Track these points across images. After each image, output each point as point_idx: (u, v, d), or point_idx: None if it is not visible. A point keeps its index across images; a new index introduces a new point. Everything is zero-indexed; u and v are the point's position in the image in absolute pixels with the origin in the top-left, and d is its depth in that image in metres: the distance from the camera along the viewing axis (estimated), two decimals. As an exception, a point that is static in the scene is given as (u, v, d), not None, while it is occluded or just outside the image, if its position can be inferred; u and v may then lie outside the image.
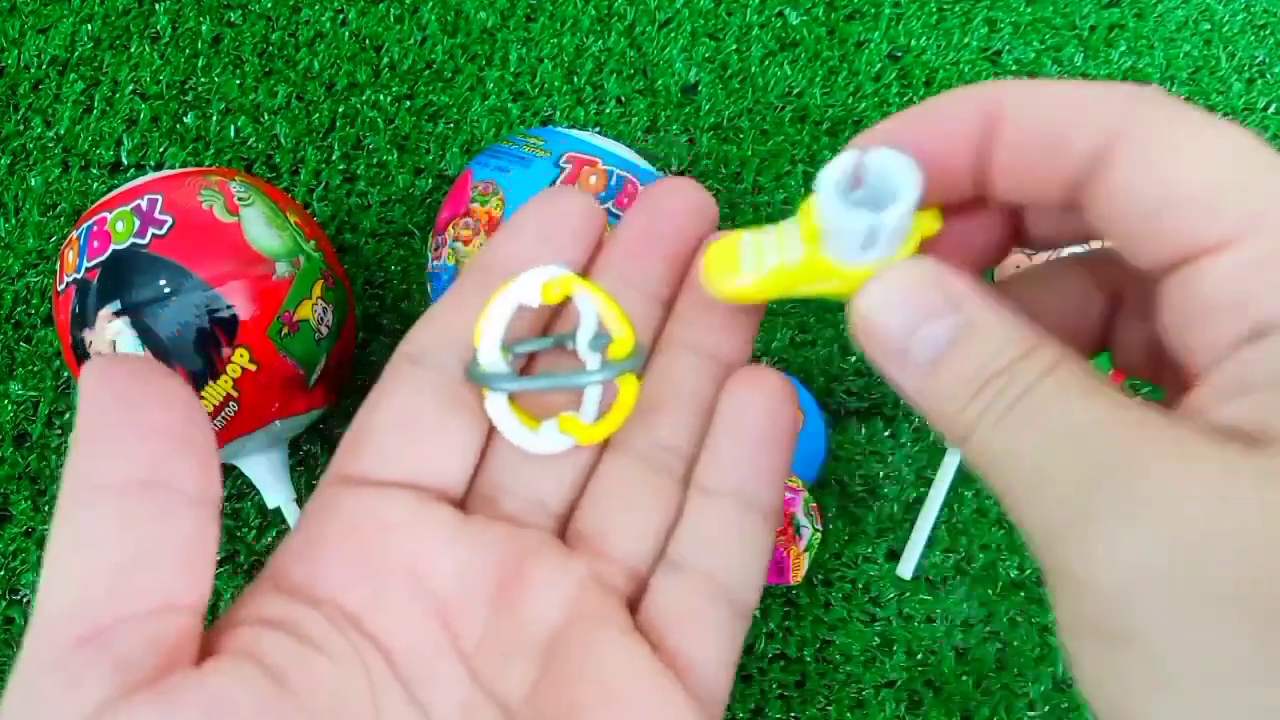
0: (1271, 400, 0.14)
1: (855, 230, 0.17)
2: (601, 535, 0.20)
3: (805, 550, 0.35)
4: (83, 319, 0.33)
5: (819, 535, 0.36)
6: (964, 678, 0.37)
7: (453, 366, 0.20)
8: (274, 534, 0.39)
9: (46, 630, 0.16)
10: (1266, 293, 0.15)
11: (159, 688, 0.16)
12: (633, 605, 0.20)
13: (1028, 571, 0.38)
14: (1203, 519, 0.14)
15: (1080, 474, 0.15)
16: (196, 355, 0.32)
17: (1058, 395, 0.16)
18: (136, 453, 0.17)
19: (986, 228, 0.20)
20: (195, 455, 0.17)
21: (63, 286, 0.34)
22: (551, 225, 0.21)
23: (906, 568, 0.38)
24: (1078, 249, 0.21)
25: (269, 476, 0.36)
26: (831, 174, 0.17)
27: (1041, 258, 0.33)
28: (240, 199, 0.34)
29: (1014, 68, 0.44)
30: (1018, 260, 0.35)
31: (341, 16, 0.45)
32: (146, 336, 0.32)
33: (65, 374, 0.41)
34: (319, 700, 0.17)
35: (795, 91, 0.44)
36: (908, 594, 0.38)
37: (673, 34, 0.45)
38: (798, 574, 0.35)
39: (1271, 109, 0.44)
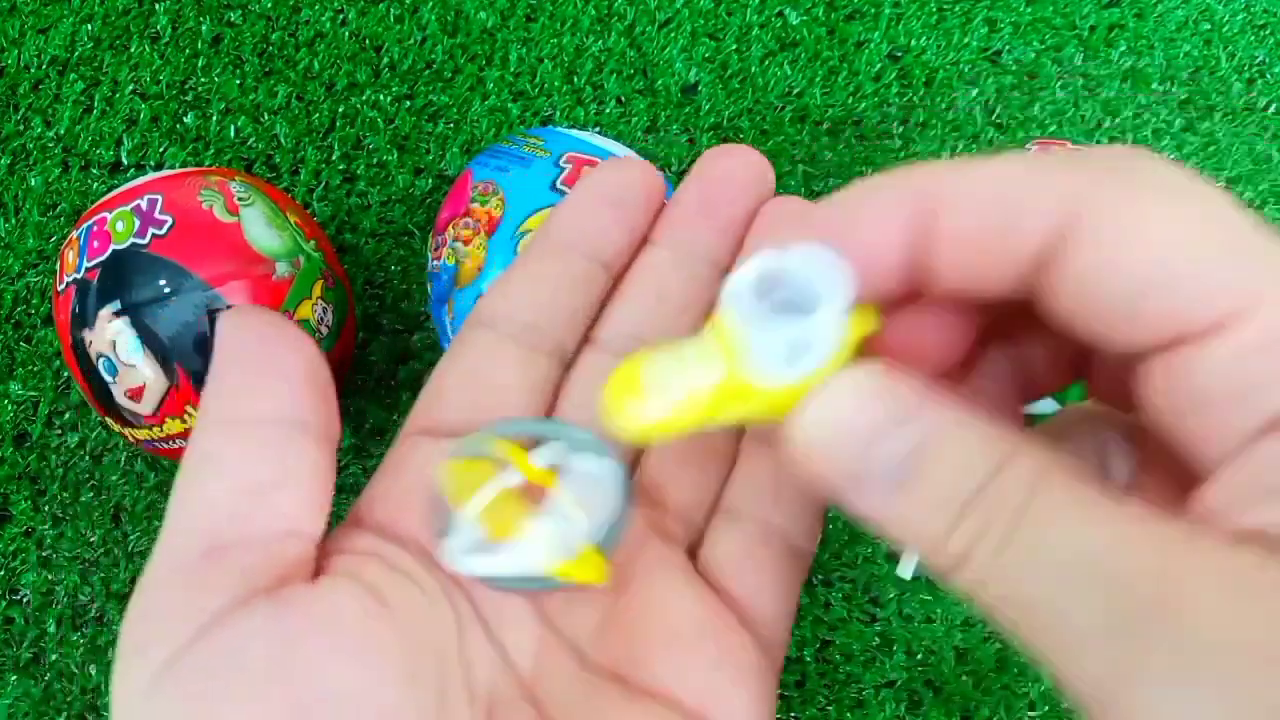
0: None
1: (779, 341, 0.15)
2: (658, 488, 0.21)
3: None
4: (83, 319, 0.33)
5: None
6: (964, 678, 0.37)
7: (520, 331, 0.21)
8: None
9: (175, 543, 0.17)
10: (1276, 382, 0.13)
11: (277, 596, 0.17)
12: (691, 553, 0.21)
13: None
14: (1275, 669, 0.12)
15: (1116, 617, 0.13)
16: (196, 355, 0.32)
17: (1058, 517, 0.14)
18: (274, 390, 0.18)
19: (939, 323, 0.17)
20: (322, 396, 0.19)
21: (63, 286, 0.34)
22: (613, 193, 0.22)
23: (906, 568, 0.38)
24: None
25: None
26: (746, 277, 0.15)
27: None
28: (240, 199, 0.34)
29: (1014, 68, 0.44)
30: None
31: (341, 16, 0.45)
32: (146, 336, 0.32)
33: (65, 374, 0.41)
34: (414, 621, 0.18)
35: (795, 91, 0.44)
36: (908, 594, 0.38)
37: (673, 34, 0.45)
38: None
39: (1271, 109, 0.44)
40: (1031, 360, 0.18)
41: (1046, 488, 0.14)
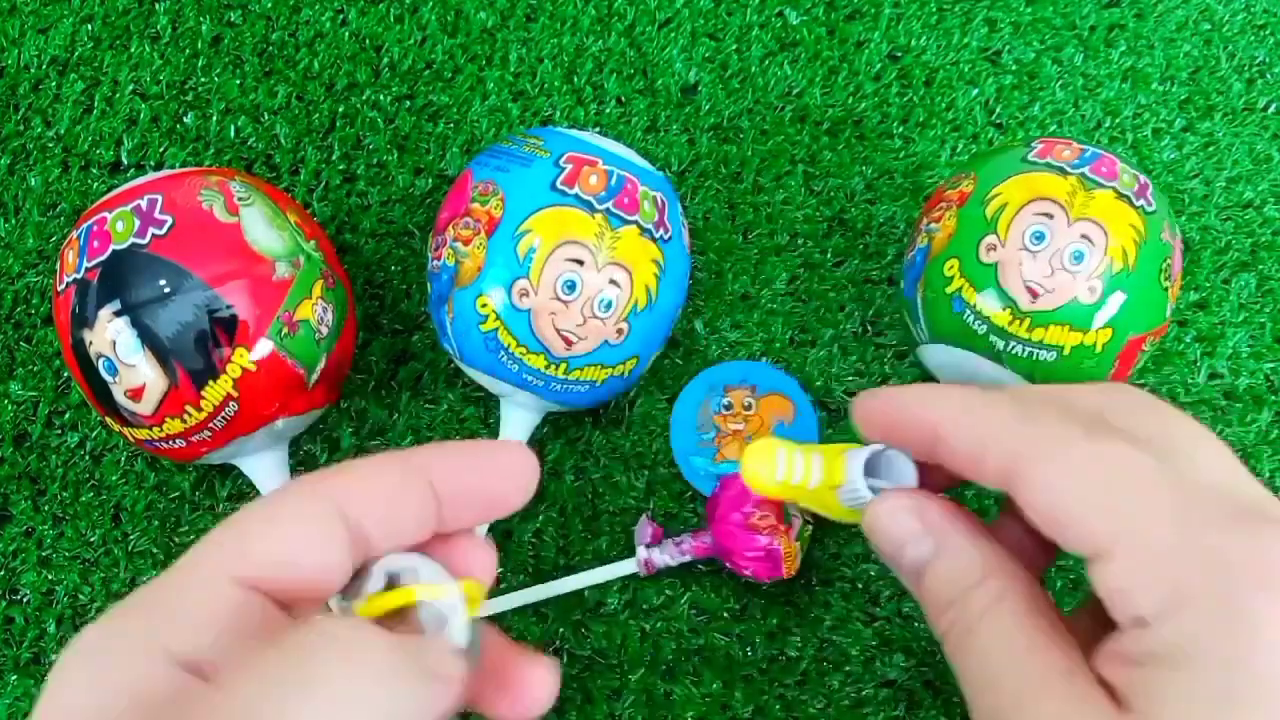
0: (1138, 676, 0.20)
1: (862, 492, 0.25)
2: None
3: (797, 540, 0.35)
4: (83, 319, 0.33)
5: (809, 527, 0.36)
6: (964, 678, 0.37)
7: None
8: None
9: None
10: (1139, 594, 0.20)
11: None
12: None
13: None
14: None
15: (1003, 711, 0.21)
16: (196, 355, 0.32)
17: (995, 633, 0.22)
18: None
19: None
20: None
21: (63, 286, 0.34)
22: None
23: None
24: None
25: (269, 476, 0.36)
26: (863, 452, 0.26)
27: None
28: (240, 199, 0.34)
29: (1014, 68, 0.44)
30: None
31: (341, 16, 0.45)
32: (146, 336, 0.32)
33: (65, 374, 0.41)
34: None
35: (795, 91, 0.44)
36: (907, 594, 0.38)
37: (673, 34, 0.45)
38: (791, 566, 0.35)
39: (1271, 109, 0.44)
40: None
41: (997, 609, 0.22)
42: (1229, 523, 0.20)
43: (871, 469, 0.26)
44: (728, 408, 0.39)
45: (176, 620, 0.18)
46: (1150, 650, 0.20)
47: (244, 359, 0.33)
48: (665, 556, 0.36)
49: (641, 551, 0.37)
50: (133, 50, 0.44)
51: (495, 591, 0.37)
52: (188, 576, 0.19)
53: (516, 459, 0.22)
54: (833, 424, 0.40)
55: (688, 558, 0.36)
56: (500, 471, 0.22)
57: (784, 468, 0.26)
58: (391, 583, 0.21)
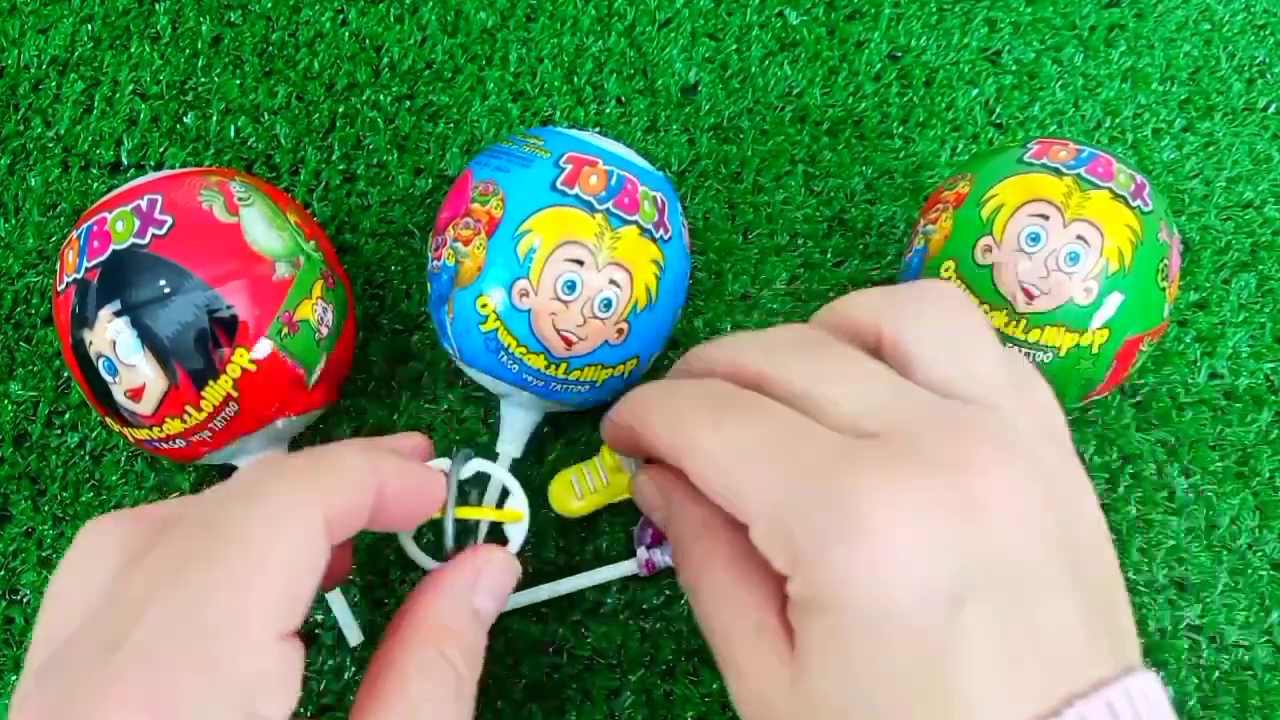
0: (799, 622, 0.23)
1: (633, 470, 0.33)
2: None
3: None
4: (83, 319, 0.33)
5: None
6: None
7: None
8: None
9: None
10: (772, 555, 0.23)
11: None
12: None
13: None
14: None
15: (720, 661, 0.25)
16: (196, 355, 0.32)
17: (707, 590, 0.26)
18: None
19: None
20: None
21: (63, 286, 0.34)
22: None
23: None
24: None
25: (269, 476, 0.36)
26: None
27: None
28: (240, 199, 0.34)
29: (1014, 68, 0.44)
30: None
31: (341, 16, 0.45)
32: (146, 336, 0.32)
33: (65, 374, 0.41)
34: None
35: (795, 91, 0.44)
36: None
37: (673, 34, 0.45)
38: None
39: (1271, 109, 0.44)
40: None
41: (709, 571, 0.26)
42: (831, 470, 0.22)
43: None
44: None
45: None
46: (795, 600, 0.22)
47: (244, 359, 0.33)
48: (666, 556, 0.37)
49: (642, 552, 0.37)
50: (133, 50, 0.44)
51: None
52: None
53: (437, 495, 0.28)
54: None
55: None
56: (429, 500, 0.27)
57: (578, 486, 0.36)
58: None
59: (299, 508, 0.22)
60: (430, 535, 0.34)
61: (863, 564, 0.21)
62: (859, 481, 0.21)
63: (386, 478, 0.25)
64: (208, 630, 0.20)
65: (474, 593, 0.27)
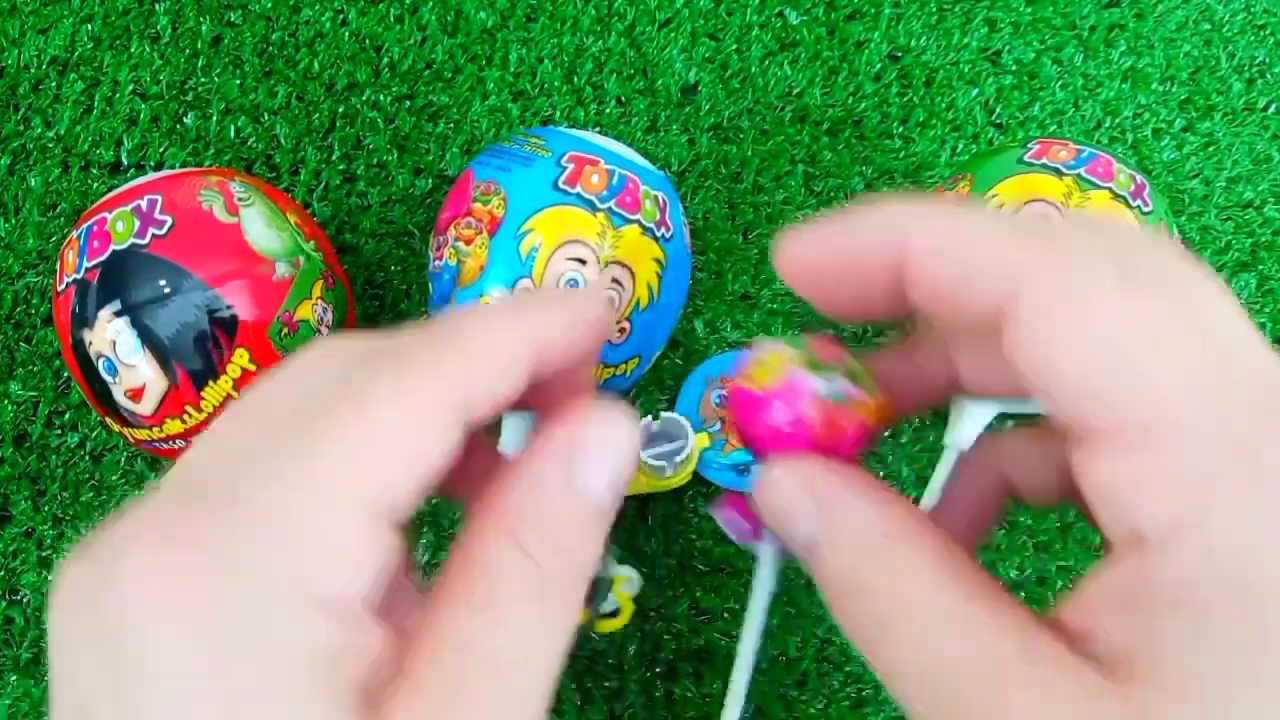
0: (1141, 625, 0.14)
1: (656, 462, 0.35)
2: None
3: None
4: (83, 319, 0.33)
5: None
6: (964, 677, 0.37)
7: None
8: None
9: None
10: (1141, 500, 0.15)
11: None
12: None
13: (1027, 572, 0.39)
14: None
15: (946, 711, 0.16)
16: (196, 355, 0.32)
17: (916, 624, 0.16)
18: None
19: (922, 373, 0.21)
20: None
21: (63, 286, 0.33)
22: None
23: None
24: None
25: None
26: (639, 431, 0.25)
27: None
28: (240, 199, 0.34)
29: (1014, 68, 0.44)
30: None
31: (341, 16, 0.45)
32: (146, 336, 0.32)
33: (65, 374, 0.41)
34: None
35: (795, 91, 0.44)
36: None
37: (673, 34, 0.45)
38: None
39: (1271, 109, 0.44)
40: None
41: (919, 587, 0.17)
42: (1269, 417, 0.15)
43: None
44: (726, 398, 0.39)
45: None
46: (1159, 584, 0.14)
47: (244, 359, 0.33)
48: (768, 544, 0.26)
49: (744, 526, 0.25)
50: (133, 50, 0.44)
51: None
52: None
53: (602, 321, 0.20)
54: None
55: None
56: (591, 334, 0.20)
57: None
58: None
59: (429, 389, 0.17)
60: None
61: None
62: None
63: (541, 337, 0.19)
64: (303, 504, 0.16)
65: (570, 466, 0.19)
